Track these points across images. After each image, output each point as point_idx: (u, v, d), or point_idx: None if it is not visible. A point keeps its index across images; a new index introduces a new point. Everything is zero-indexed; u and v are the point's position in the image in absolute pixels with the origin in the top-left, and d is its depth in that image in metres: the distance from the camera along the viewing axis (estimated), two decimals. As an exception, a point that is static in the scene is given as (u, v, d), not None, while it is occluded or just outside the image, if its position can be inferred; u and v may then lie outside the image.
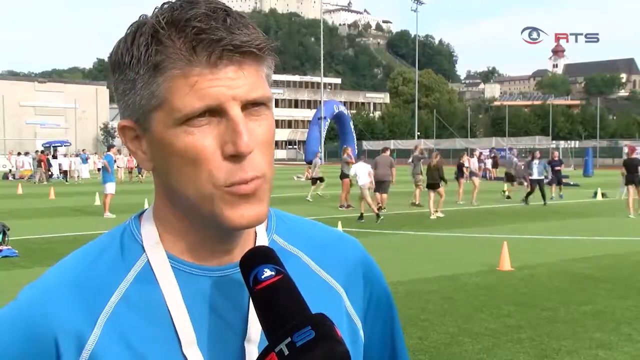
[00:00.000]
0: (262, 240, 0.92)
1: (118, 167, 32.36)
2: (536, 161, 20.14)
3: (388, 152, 17.76)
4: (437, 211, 16.80)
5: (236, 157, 0.79)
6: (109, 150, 19.25)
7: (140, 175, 35.57)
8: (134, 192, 24.33)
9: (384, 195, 16.99)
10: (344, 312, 0.94)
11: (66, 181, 36.58)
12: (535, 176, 20.01)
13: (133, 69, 0.81)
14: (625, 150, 54.34)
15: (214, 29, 0.78)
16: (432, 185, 17.06)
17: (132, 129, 0.86)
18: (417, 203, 19.43)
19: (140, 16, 0.85)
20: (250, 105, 0.81)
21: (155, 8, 0.83)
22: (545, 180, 21.04)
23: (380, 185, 16.85)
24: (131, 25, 0.84)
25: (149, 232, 0.89)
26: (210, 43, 0.78)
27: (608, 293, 7.80)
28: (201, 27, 0.78)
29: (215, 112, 0.80)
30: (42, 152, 41.07)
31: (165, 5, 0.83)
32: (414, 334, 6.03)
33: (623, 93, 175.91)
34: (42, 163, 36.19)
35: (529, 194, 20.19)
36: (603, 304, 7.26)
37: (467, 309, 7.07)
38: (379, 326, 1.00)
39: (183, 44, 0.79)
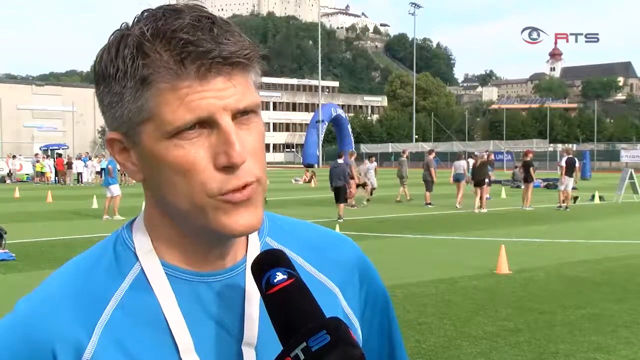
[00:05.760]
0: (254, 243, 0.92)
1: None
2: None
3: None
4: (481, 207, 18.73)
5: (229, 168, 0.79)
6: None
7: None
8: (129, 195, 24.28)
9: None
10: (340, 311, 0.94)
11: (79, 183, 36.96)
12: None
13: (119, 82, 0.80)
14: (623, 153, 54.27)
15: (201, 40, 0.77)
16: (479, 182, 18.90)
17: (120, 142, 0.85)
18: (398, 200, 22.01)
19: (121, 24, 0.83)
20: (240, 114, 0.81)
21: (136, 17, 0.82)
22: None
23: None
24: (113, 34, 0.83)
25: (142, 241, 0.89)
26: (199, 55, 0.77)
27: (606, 296, 7.80)
28: (188, 38, 0.77)
29: (206, 123, 0.79)
30: (59, 156, 41.72)
31: (146, 14, 0.81)
32: (412, 337, 6.02)
33: (620, 96, 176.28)
34: (70, 165, 37.13)
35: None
36: (601, 307, 7.26)
37: (465, 312, 7.07)
38: (377, 325, 1.01)
39: (170, 57, 0.78)
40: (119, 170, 17.78)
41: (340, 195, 16.79)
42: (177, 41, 0.77)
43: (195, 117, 0.78)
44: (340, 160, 17.82)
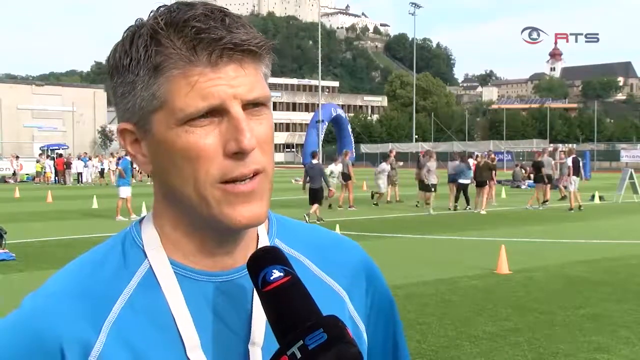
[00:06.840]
0: (264, 244, 0.92)
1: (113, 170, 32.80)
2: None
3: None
4: (481, 208, 18.58)
5: (238, 155, 0.80)
6: (127, 154, 19.32)
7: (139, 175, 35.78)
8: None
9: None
10: (347, 315, 0.94)
11: (79, 183, 36.94)
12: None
13: (132, 71, 0.82)
14: (623, 153, 54.09)
15: (213, 28, 0.79)
16: (481, 184, 18.89)
17: (131, 132, 0.86)
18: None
19: (136, 20, 0.85)
20: (250, 105, 0.82)
21: (151, 11, 0.84)
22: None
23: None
24: (128, 28, 0.85)
25: (150, 238, 0.89)
26: (211, 42, 0.79)
27: (606, 296, 7.80)
28: (201, 27, 0.79)
29: (217, 111, 0.80)
30: (60, 156, 41.81)
31: (162, 8, 0.83)
32: (413, 337, 6.02)
33: (620, 96, 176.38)
34: (68, 165, 37.18)
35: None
36: (601, 307, 7.27)
37: (465, 312, 7.07)
38: (382, 328, 1.00)
39: (183, 44, 0.79)
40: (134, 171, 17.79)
41: (317, 196, 16.18)
42: (189, 29, 0.79)
43: (207, 104, 0.79)
44: (314, 161, 17.22)
